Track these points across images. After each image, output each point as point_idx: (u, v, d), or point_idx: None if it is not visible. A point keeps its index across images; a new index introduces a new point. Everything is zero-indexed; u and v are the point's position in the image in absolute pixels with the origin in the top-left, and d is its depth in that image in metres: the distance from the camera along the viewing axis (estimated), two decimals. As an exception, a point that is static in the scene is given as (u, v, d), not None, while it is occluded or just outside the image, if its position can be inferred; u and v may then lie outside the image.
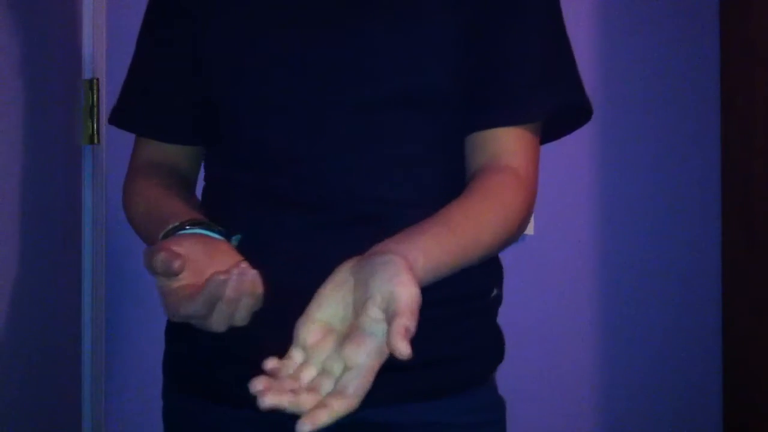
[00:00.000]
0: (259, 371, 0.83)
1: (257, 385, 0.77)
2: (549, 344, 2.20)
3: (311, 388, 0.78)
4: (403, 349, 0.75)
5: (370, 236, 0.91)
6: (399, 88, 1.05)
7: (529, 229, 2.14)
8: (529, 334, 2.17)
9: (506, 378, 2.41)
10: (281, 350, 0.83)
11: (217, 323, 0.91)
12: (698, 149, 2.21)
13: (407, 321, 0.76)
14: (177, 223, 1.00)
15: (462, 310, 1.11)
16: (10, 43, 1.33)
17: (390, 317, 0.77)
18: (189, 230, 0.99)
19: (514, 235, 1.04)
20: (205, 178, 1.20)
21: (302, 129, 1.07)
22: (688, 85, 2.21)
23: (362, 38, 1.05)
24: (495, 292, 1.16)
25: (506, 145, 1.06)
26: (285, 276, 1.00)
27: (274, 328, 0.89)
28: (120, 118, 1.23)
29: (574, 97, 1.11)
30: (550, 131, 1.13)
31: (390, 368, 0.81)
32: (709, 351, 2.21)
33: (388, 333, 0.76)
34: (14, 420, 1.34)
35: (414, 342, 0.80)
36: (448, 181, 1.08)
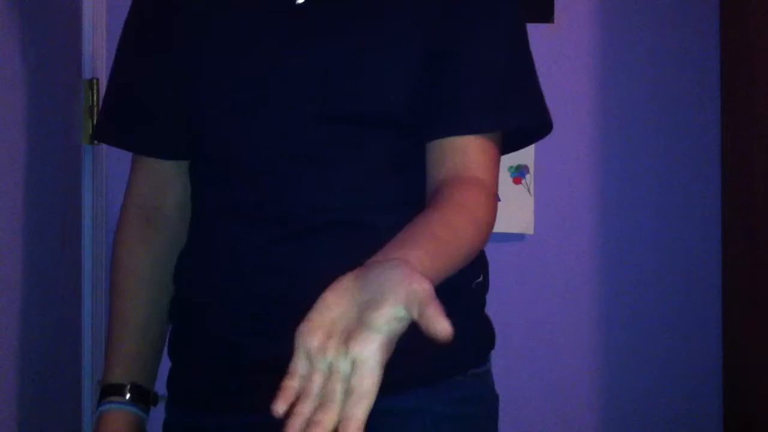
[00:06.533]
0: (249, 377, 1.01)
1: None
2: (549, 344, 2.20)
3: (324, 402, 0.76)
4: (446, 326, 0.77)
5: (334, 246, 1.02)
6: (357, 108, 1.08)
7: (529, 229, 2.13)
8: (528, 334, 2.17)
9: (506, 378, 2.40)
10: (266, 352, 0.92)
11: None
12: (698, 149, 2.21)
13: (437, 305, 0.78)
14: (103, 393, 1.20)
15: (446, 298, 1.11)
16: (10, 43, 1.32)
17: (419, 310, 0.78)
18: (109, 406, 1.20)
19: (484, 244, 1.08)
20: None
21: (264, 142, 1.09)
22: (688, 85, 2.21)
23: (326, 58, 1.08)
24: (480, 278, 1.18)
25: (473, 156, 1.07)
26: (260, 285, 1.07)
27: (256, 333, 1.03)
28: (114, 134, 1.25)
29: (539, 115, 1.13)
30: (505, 144, 1.14)
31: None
32: (709, 351, 2.21)
33: (426, 319, 0.78)
34: (14, 420, 1.34)
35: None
36: (405, 192, 1.11)
